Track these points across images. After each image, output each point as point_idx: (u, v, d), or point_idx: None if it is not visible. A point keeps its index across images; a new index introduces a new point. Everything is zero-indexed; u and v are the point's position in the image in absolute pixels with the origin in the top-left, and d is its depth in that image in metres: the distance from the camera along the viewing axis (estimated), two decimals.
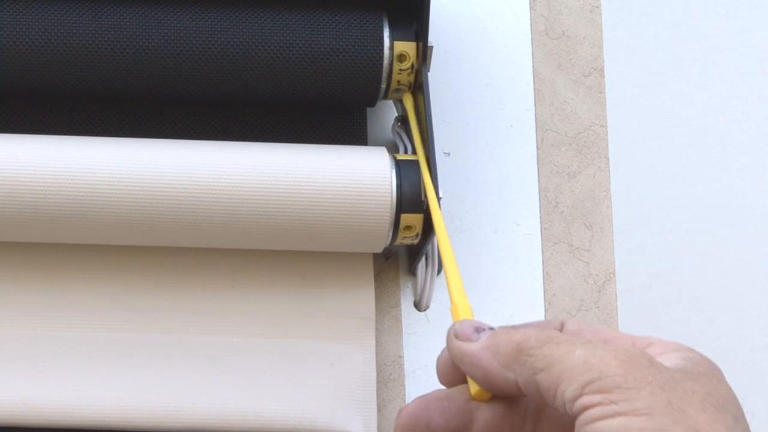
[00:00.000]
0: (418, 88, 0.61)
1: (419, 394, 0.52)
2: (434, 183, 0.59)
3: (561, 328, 0.50)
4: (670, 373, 0.45)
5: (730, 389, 0.47)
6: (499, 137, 0.66)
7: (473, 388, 0.50)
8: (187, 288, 0.62)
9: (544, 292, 0.65)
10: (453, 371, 0.51)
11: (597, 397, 0.44)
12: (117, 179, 0.58)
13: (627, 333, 0.50)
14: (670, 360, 0.47)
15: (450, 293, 0.54)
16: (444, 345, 0.51)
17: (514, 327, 0.49)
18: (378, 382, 0.62)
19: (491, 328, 0.49)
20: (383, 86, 0.61)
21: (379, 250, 0.61)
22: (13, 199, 0.58)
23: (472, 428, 0.50)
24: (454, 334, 0.50)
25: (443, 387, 0.52)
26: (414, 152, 0.61)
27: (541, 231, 0.65)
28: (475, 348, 0.49)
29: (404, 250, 0.64)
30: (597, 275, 0.65)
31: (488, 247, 0.65)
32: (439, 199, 0.58)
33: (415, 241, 0.60)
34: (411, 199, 0.59)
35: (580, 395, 0.45)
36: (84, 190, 0.58)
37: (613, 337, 0.49)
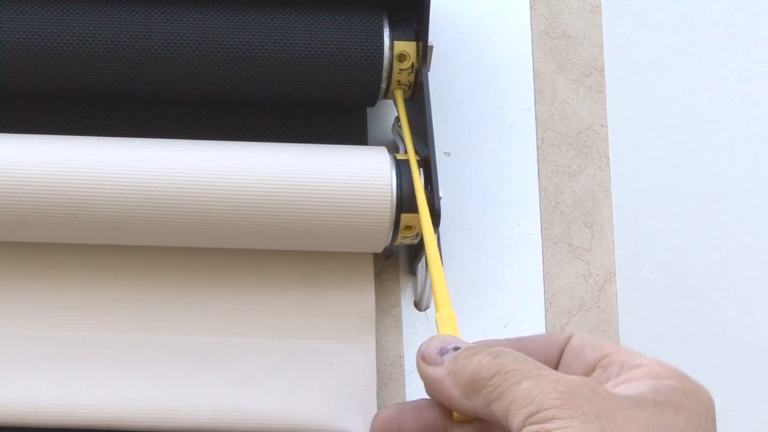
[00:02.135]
0: (418, 87, 0.61)
1: (418, 395, 0.52)
2: (434, 183, 0.59)
3: (567, 342, 0.51)
4: (613, 402, 0.46)
5: (690, 424, 0.47)
6: (500, 137, 0.66)
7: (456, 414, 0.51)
8: (187, 288, 0.62)
9: (545, 291, 0.65)
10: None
11: (535, 428, 0.46)
12: (116, 179, 0.58)
13: (629, 348, 0.50)
14: (635, 388, 0.48)
15: (435, 301, 0.54)
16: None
17: (477, 349, 0.50)
18: (378, 381, 0.62)
19: (455, 349, 0.50)
20: (383, 86, 0.61)
21: (379, 249, 0.61)
22: (14, 198, 0.58)
23: None
24: (420, 357, 0.51)
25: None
26: (415, 152, 0.61)
27: (542, 231, 0.65)
28: (437, 374, 0.50)
29: (404, 250, 0.64)
30: (597, 275, 0.65)
31: (488, 246, 0.65)
32: (439, 198, 0.58)
33: (415, 241, 0.60)
34: (411, 198, 0.59)
35: (523, 427, 0.46)
36: (84, 190, 0.58)
37: (611, 352, 0.50)
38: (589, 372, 0.50)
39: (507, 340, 0.52)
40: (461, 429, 0.51)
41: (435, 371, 0.50)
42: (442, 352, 0.51)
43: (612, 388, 0.48)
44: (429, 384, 0.51)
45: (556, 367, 0.51)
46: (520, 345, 0.52)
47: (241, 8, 0.61)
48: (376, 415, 0.52)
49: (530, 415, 0.46)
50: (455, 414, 0.51)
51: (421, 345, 0.52)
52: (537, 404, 0.46)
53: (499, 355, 0.49)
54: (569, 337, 0.51)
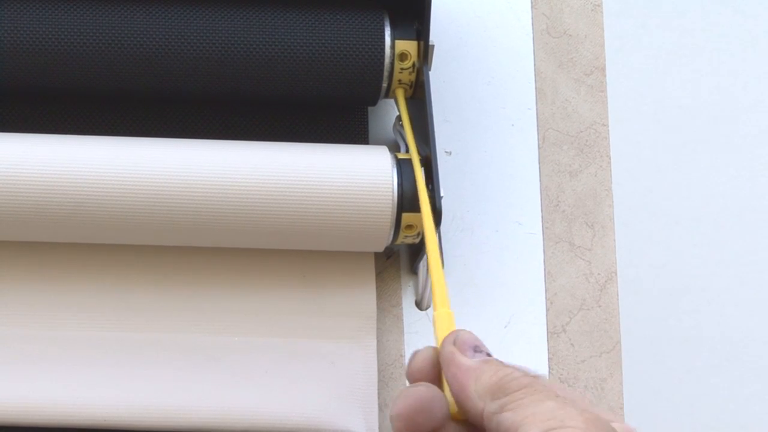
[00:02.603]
0: (420, 86, 0.61)
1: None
2: (435, 182, 0.59)
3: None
4: None
5: None
6: (501, 136, 0.66)
7: (453, 407, 0.51)
8: (187, 287, 0.62)
9: (546, 291, 0.65)
10: (429, 372, 0.52)
11: None
12: (116, 178, 0.58)
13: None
14: None
15: (433, 300, 0.54)
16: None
17: (507, 363, 0.50)
18: (379, 381, 0.62)
19: (488, 355, 0.51)
20: (384, 85, 0.61)
21: (380, 249, 0.61)
22: (14, 198, 0.58)
23: None
24: (454, 341, 0.51)
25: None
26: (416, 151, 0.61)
27: (543, 230, 0.65)
28: (464, 363, 0.50)
29: (405, 249, 0.64)
30: (599, 274, 0.65)
31: (490, 246, 0.65)
32: (440, 198, 0.58)
33: (416, 240, 0.60)
34: (412, 198, 0.59)
35: None
36: (84, 190, 0.58)
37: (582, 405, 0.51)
38: None
39: (496, 359, 0.52)
40: (453, 426, 0.51)
41: (462, 359, 0.50)
42: (476, 350, 0.51)
43: None
44: (450, 366, 0.51)
45: None
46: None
47: (243, 8, 0.61)
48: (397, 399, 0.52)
49: (550, 429, 0.46)
50: (452, 408, 0.51)
51: (457, 331, 0.52)
52: (560, 420, 0.46)
53: (527, 374, 0.49)
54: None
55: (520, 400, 0.48)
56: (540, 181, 0.66)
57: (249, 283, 0.62)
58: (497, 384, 0.49)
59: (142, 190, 0.58)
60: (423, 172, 0.59)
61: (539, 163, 0.66)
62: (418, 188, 0.58)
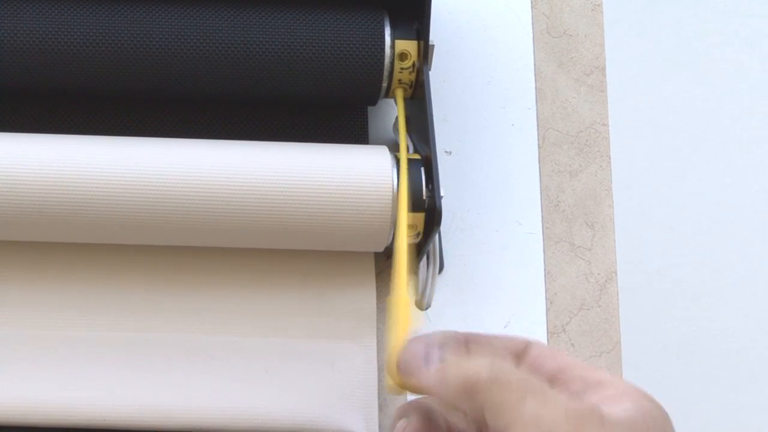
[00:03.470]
0: (419, 86, 0.61)
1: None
2: (435, 182, 0.59)
3: (524, 350, 0.50)
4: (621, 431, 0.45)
5: None
6: (501, 136, 0.66)
7: (389, 381, 0.50)
8: (187, 287, 0.62)
9: (546, 291, 0.65)
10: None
11: None
12: (117, 178, 0.58)
13: (581, 362, 0.50)
14: (622, 407, 0.47)
15: (392, 284, 0.54)
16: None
17: (466, 353, 0.48)
18: (379, 381, 0.62)
19: (440, 347, 0.49)
20: (384, 85, 0.61)
21: (381, 248, 0.61)
22: (15, 198, 0.58)
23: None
24: (402, 368, 0.50)
25: None
26: (415, 151, 0.61)
27: (543, 230, 0.65)
28: (425, 382, 0.49)
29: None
30: (599, 274, 0.65)
31: (490, 246, 0.65)
32: (440, 197, 0.58)
33: (417, 240, 0.60)
34: (412, 197, 0.59)
35: None
36: (85, 190, 0.58)
37: (568, 365, 0.49)
38: (549, 382, 0.49)
39: (467, 333, 0.50)
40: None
41: (421, 379, 0.49)
42: (426, 359, 0.49)
43: (599, 405, 0.47)
44: (416, 391, 0.49)
45: None
46: (481, 339, 0.51)
47: (242, 7, 0.61)
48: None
49: None
50: (388, 386, 0.50)
51: (398, 353, 0.50)
52: (547, 426, 0.45)
53: (495, 361, 0.47)
54: (527, 345, 0.50)
55: (498, 399, 0.46)
56: (540, 181, 0.66)
57: (249, 283, 0.62)
58: (465, 386, 0.47)
59: (141, 190, 0.58)
60: (423, 171, 0.59)
61: (539, 163, 0.66)
62: (399, 188, 0.58)
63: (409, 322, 0.53)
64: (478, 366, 0.47)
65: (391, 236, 0.60)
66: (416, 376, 0.49)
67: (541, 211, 0.66)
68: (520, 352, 0.50)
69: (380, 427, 0.61)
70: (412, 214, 0.59)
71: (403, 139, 0.61)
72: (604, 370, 0.49)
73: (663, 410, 0.47)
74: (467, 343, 0.50)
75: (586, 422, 0.45)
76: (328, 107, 0.64)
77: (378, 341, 0.63)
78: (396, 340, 0.52)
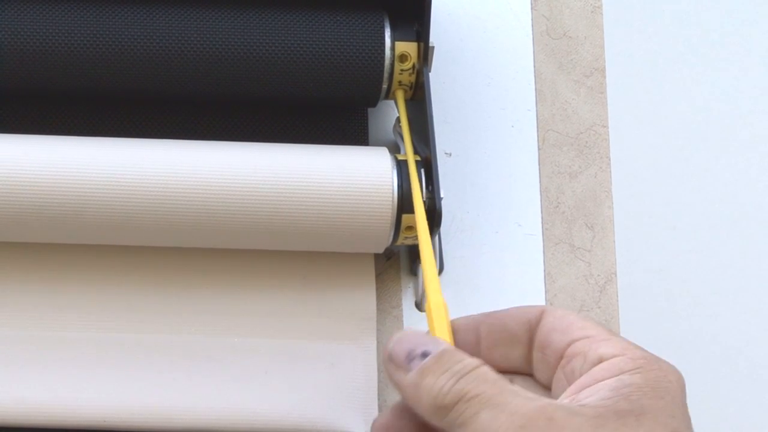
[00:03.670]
0: (419, 88, 0.61)
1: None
2: (435, 183, 0.59)
3: (538, 320, 0.51)
4: (571, 427, 0.46)
5: (654, 429, 0.46)
6: (501, 137, 0.66)
7: None
8: (187, 288, 0.62)
9: (546, 292, 0.65)
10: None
11: None
12: (116, 179, 0.58)
13: (595, 327, 0.50)
14: (597, 393, 0.47)
15: (426, 290, 0.54)
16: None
17: (443, 364, 0.49)
18: (379, 382, 0.62)
19: (424, 355, 0.50)
20: (384, 86, 0.61)
21: (380, 250, 0.61)
22: (14, 199, 0.58)
23: None
24: (388, 357, 0.51)
25: None
26: (415, 152, 0.61)
27: (543, 231, 0.65)
28: (404, 383, 0.50)
29: (405, 251, 0.64)
30: (598, 275, 0.65)
31: (489, 247, 0.65)
32: (440, 199, 0.58)
33: (417, 242, 0.60)
34: (412, 199, 0.59)
35: None
36: (85, 191, 0.58)
37: (577, 339, 0.49)
38: (558, 360, 0.50)
39: (482, 314, 0.52)
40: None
41: (403, 379, 0.50)
42: (410, 357, 0.50)
43: (574, 396, 0.47)
44: (397, 388, 0.50)
45: (529, 346, 0.51)
46: (489, 321, 0.52)
47: (242, 8, 0.61)
48: (374, 421, 0.52)
49: None
50: None
51: (388, 341, 0.51)
52: None
53: (461, 378, 0.48)
54: (541, 314, 0.51)
55: (461, 416, 0.47)
56: (540, 182, 0.66)
57: (249, 285, 0.62)
58: (434, 403, 0.48)
59: (141, 192, 0.58)
60: (423, 173, 0.59)
61: (539, 165, 0.66)
62: (412, 189, 0.58)
63: (447, 328, 0.53)
64: (443, 386, 0.48)
65: (391, 238, 0.60)
66: (394, 374, 0.50)
67: (541, 212, 0.66)
68: (533, 324, 0.51)
69: None
70: (412, 216, 0.59)
71: (409, 141, 0.61)
72: (613, 337, 0.49)
73: (660, 384, 0.47)
74: (479, 327, 0.52)
75: (532, 427, 0.45)
76: (328, 109, 0.64)
77: (378, 342, 0.63)
78: None
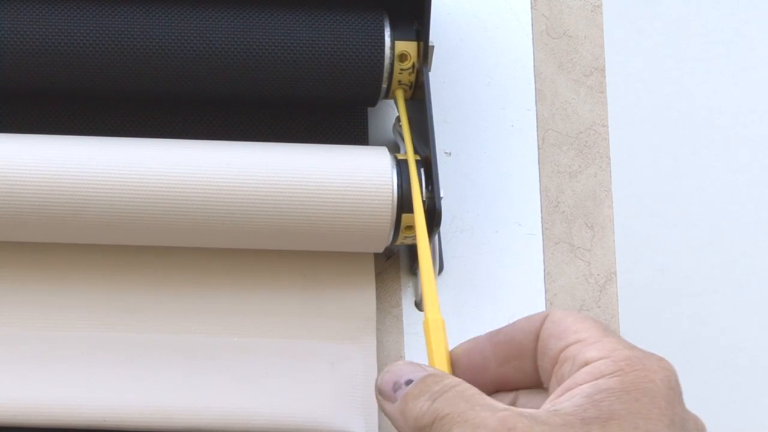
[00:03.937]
0: (419, 87, 0.61)
1: None
2: (435, 183, 0.59)
3: (540, 328, 0.51)
4: None
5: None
6: (500, 137, 0.66)
7: None
8: (187, 288, 0.62)
9: (546, 291, 0.65)
10: None
11: None
12: (116, 179, 0.58)
13: (590, 329, 0.50)
14: (570, 400, 0.47)
15: (424, 305, 0.55)
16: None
17: (422, 388, 0.50)
18: None
19: (408, 382, 0.51)
20: (384, 86, 0.61)
21: (380, 249, 0.61)
22: (15, 199, 0.58)
23: None
24: (378, 391, 0.52)
25: None
26: (415, 152, 0.61)
27: (542, 231, 0.65)
28: (391, 412, 0.51)
29: (405, 250, 0.64)
30: (598, 275, 0.65)
31: (489, 247, 0.65)
32: (440, 198, 0.58)
33: (416, 242, 0.60)
34: (412, 199, 0.59)
35: None
36: (85, 190, 0.58)
37: (569, 343, 0.50)
38: (553, 366, 0.50)
39: (488, 333, 0.52)
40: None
41: (389, 408, 0.51)
42: (396, 387, 0.51)
43: (555, 401, 0.48)
44: (387, 417, 0.52)
45: (534, 356, 0.51)
46: (497, 339, 0.52)
47: (242, 8, 0.61)
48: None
49: None
50: None
51: (378, 376, 0.52)
52: None
53: (438, 398, 0.49)
54: (543, 321, 0.51)
55: None
56: (540, 181, 0.66)
57: (249, 284, 0.62)
58: (415, 427, 0.49)
59: (141, 191, 0.58)
60: (423, 173, 0.59)
61: (539, 164, 0.66)
62: (412, 188, 0.58)
63: (444, 345, 0.54)
64: (421, 407, 0.49)
65: (391, 237, 0.60)
66: (383, 406, 0.52)
67: (541, 211, 0.66)
68: (537, 332, 0.52)
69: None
70: (411, 215, 0.59)
71: (409, 140, 0.61)
72: (605, 338, 0.49)
73: (638, 387, 0.47)
74: (485, 347, 0.53)
75: None
76: (328, 108, 0.64)
77: (378, 342, 0.63)
78: (432, 364, 0.53)
